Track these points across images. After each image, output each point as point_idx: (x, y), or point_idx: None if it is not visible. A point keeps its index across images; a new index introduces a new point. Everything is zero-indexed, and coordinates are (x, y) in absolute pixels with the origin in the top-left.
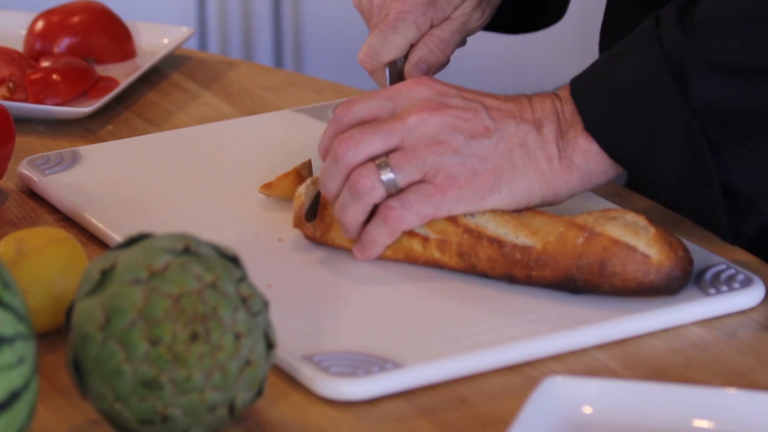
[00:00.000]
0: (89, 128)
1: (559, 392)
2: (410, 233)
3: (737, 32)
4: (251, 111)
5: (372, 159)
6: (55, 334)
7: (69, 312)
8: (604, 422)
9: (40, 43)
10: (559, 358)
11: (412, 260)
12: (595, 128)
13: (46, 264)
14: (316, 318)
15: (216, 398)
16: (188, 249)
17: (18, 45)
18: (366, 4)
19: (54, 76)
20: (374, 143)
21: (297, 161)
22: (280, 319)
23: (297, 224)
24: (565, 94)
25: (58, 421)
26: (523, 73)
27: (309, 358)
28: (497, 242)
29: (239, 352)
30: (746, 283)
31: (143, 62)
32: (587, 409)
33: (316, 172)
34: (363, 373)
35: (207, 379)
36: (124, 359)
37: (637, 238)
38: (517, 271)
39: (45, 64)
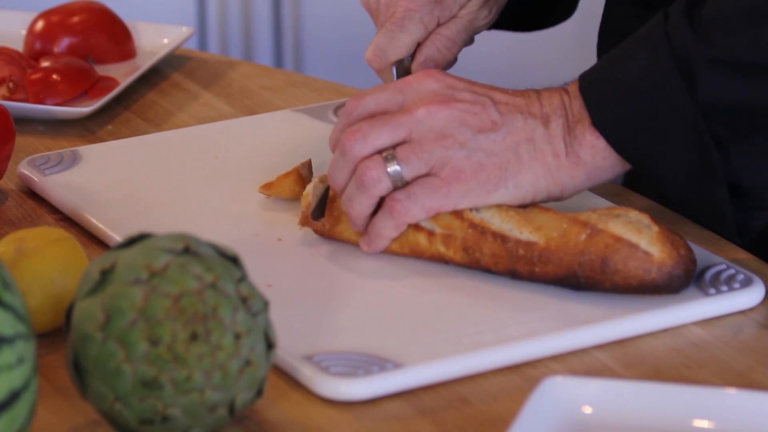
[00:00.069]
0: (89, 128)
1: (559, 392)
2: (416, 227)
3: (745, 29)
4: (251, 111)
5: (380, 152)
6: (55, 334)
7: (69, 312)
8: (604, 422)
9: (40, 43)
10: (559, 358)
11: (417, 254)
12: (602, 124)
13: (46, 264)
14: (316, 318)
15: (216, 398)
16: (188, 249)
17: (18, 45)
18: (373, 3)
19: (54, 76)
20: (382, 136)
21: (297, 161)
22: (280, 319)
23: (304, 223)
24: (574, 90)
25: (58, 421)
26: (523, 73)
27: (309, 358)
28: (501, 237)
29: (239, 352)
30: (746, 283)
31: (143, 62)
32: (587, 409)
33: (316, 172)
34: (363, 373)
35: (207, 379)
36: (124, 359)
37: (639, 236)
38: (520, 267)
39: (45, 64)
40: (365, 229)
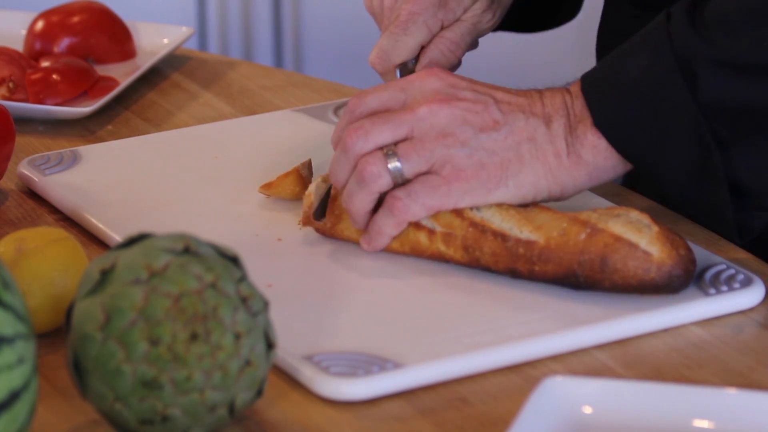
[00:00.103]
0: (89, 128)
1: (559, 392)
2: (417, 226)
3: (746, 30)
4: (251, 111)
5: (381, 148)
6: (55, 334)
7: (69, 312)
8: (604, 422)
9: (40, 43)
10: (559, 358)
11: (418, 253)
12: (603, 124)
13: (46, 264)
14: (316, 318)
15: (216, 398)
16: (188, 249)
17: (18, 45)
18: (377, 6)
19: (54, 76)
20: (383, 133)
21: (297, 161)
22: (280, 319)
23: (306, 222)
24: (576, 89)
25: (58, 421)
26: (522, 74)
27: (309, 358)
28: (501, 236)
29: (239, 352)
30: (746, 283)
31: (143, 62)
32: (587, 409)
33: (316, 172)
34: (363, 373)
35: (207, 379)
36: (124, 359)
37: (639, 236)
38: (520, 266)
39: (45, 64)
40: (366, 227)
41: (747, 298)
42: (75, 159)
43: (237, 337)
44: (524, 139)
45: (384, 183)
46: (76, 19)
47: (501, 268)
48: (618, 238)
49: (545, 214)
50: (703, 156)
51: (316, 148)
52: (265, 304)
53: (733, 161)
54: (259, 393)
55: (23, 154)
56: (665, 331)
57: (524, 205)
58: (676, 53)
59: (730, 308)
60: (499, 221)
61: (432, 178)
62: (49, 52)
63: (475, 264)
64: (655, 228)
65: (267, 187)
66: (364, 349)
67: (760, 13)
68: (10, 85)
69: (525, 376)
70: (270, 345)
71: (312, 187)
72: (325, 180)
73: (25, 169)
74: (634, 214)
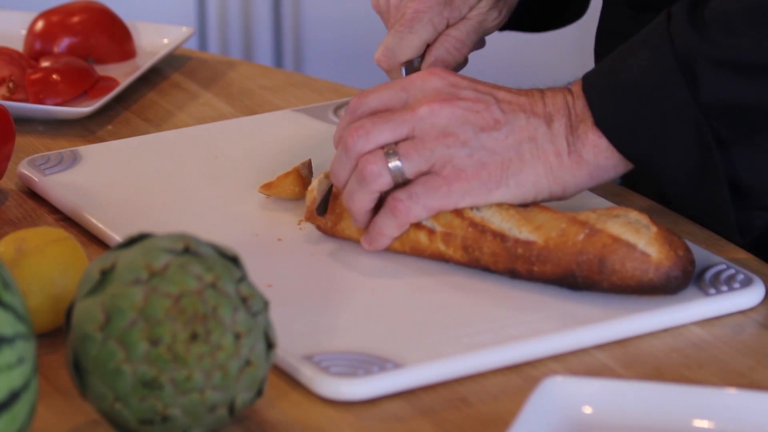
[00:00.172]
0: (89, 128)
1: (559, 392)
2: (417, 225)
3: (747, 29)
4: (251, 111)
5: (381, 148)
6: (55, 334)
7: (69, 312)
8: (604, 422)
9: (40, 43)
10: (559, 358)
11: (418, 252)
12: (604, 123)
13: (46, 264)
14: (316, 318)
15: (216, 398)
16: (188, 249)
17: (18, 45)
18: (383, 5)
19: (54, 76)
20: (384, 133)
21: (297, 161)
22: (280, 319)
23: (308, 218)
24: (577, 89)
25: (58, 421)
26: (522, 74)
27: (309, 358)
28: (500, 236)
29: (239, 352)
30: (746, 283)
31: (143, 62)
32: (587, 409)
33: (316, 172)
34: (363, 373)
35: (207, 379)
36: (124, 359)
37: (637, 237)
38: (519, 266)
39: (45, 64)
40: (366, 226)
41: (747, 298)
42: (75, 159)
43: (237, 337)
44: (525, 138)
45: (384, 182)
46: (76, 19)
47: (500, 268)
48: (616, 239)
49: (545, 214)
50: (704, 155)
51: (316, 148)
52: (265, 304)
53: (733, 161)
54: (259, 393)
55: (23, 154)
56: (665, 331)
57: (525, 205)
58: (676, 53)
59: (730, 308)
60: (498, 221)
61: (433, 179)
62: (49, 52)
63: (474, 264)
64: (654, 229)
65: (267, 187)
66: (364, 349)
67: (761, 13)
68: (10, 85)
69: (525, 376)
70: (270, 345)
71: (315, 183)
72: (327, 176)
73: (25, 169)
74: (633, 215)
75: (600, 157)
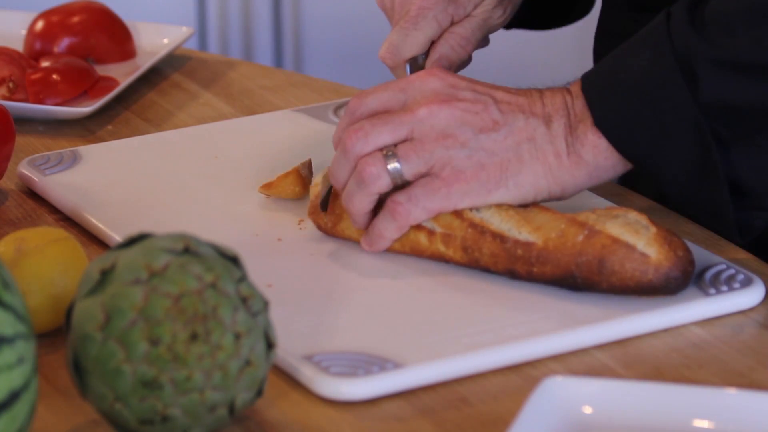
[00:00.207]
0: (89, 128)
1: (559, 392)
2: (417, 226)
3: (746, 29)
4: (251, 111)
5: (380, 149)
6: (55, 334)
7: (69, 312)
8: (604, 422)
9: (40, 43)
10: (559, 358)
11: (417, 253)
12: (603, 123)
13: (46, 264)
14: (316, 318)
15: (216, 398)
16: (188, 249)
17: (18, 45)
18: (388, 2)
19: (54, 76)
20: (383, 135)
21: (297, 161)
22: (280, 319)
23: (312, 212)
24: (576, 89)
25: (58, 421)
26: (522, 74)
27: (309, 358)
28: (500, 237)
29: (239, 352)
30: (746, 283)
31: (143, 62)
32: (587, 409)
33: (316, 172)
34: (363, 373)
35: (207, 379)
36: (124, 359)
37: (636, 237)
38: (518, 267)
39: (45, 64)
40: (366, 227)
41: (747, 298)
42: (75, 159)
43: (237, 337)
44: (524, 139)
45: (383, 184)
46: (76, 19)
47: (500, 268)
48: (615, 240)
49: (544, 215)
50: (703, 155)
51: (316, 148)
52: (265, 304)
53: (733, 161)
54: (259, 393)
55: (23, 154)
56: (665, 331)
57: (524, 206)
58: (676, 53)
59: (730, 308)
60: (498, 222)
61: (432, 181)
62: (49, 52)
63: (474, 265)
64: (653, 229)
65: (267, 187)
66: (364, 349)
67: (760, 13)
68: (10, 85)
69: (525, 376)
70: (270, 345)
71: (319, 177)
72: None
73: (25, 169)
74: (633, 215)
75: (599, 157)
